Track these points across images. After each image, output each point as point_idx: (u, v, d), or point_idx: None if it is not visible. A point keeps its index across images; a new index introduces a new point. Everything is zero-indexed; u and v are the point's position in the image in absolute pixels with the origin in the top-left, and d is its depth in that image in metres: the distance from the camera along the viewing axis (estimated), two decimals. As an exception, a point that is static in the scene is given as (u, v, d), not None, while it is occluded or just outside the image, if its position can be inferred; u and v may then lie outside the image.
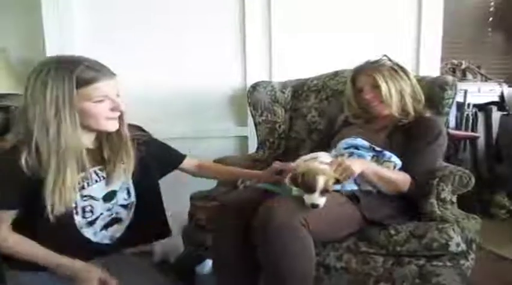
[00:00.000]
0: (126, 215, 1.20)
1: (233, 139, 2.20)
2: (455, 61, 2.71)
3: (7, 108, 2.01)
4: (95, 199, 1.12)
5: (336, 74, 1.87)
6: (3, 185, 1.01)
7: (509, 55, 2.92)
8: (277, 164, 1.30)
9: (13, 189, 1.01)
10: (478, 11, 2.93)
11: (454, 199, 1.32)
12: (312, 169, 1.14)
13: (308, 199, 1.11)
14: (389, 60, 1.48)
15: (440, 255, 1.19)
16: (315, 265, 1.15)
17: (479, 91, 2.57)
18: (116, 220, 1.18)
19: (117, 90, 1.07)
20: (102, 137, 1.12)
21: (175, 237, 1.84)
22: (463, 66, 2.70)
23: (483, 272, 1.44)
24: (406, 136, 1.38)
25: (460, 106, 2.48)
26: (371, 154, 1.35)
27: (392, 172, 1.29)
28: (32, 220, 1.05)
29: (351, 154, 1.35)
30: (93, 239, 1.15)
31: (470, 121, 2.52)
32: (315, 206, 1.11)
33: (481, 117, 2.58)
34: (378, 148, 1.34)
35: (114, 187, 1.15)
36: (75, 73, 0.99)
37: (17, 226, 1.06)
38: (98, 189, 1.12)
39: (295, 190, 1.18)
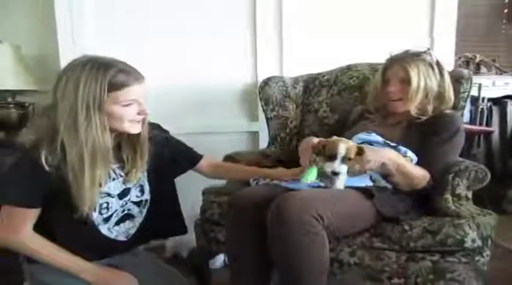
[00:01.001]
0: (138, 212, 1.21)
1: (244, 135, 2.20)
2: (469, 55, 2.66)
3: (22, 104, 2.04)
4: (111, 196, 1.13)
5: (348, 68, 1.85)
6: (25, 183, 1.01)
7: (525, 47, 2.87)
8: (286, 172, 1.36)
9: (35, 187, 1.01)
10: (492, 2, 2.87)
11: (470, 195, 1.30)
12: (333, 139, 1.19)
13: (329, 166, 1.15)
14: (430, 55, 1.41)
15: (455, 251, 1.18)
16: (329, 260, 1.14)
17: (493, 85, 2.53)
18: (127, 216, 1.19)
19: (144, 94, 1.08)
20: (122, 136, 1.13)
21: (188, 232, 1.86)
22: (477, 60, 2.66)
23: (495, 268, 1.42)
24: (423, 132, 1.36)
25: (474, 101, 2.44)
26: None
27: (414, 167, 1.27)
28: (52, 218, 1.06)
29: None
30: (110, 235, 1.16)
31: (485, 115, 2.48)
32: (335, 173, 1.15)
33: (495, 111, 2.54)
34: (392, 144, 1.33)
35: (129, 184, 1.17)
36: (108, 76, 0.99)
37: (36, 225, 1.06)
38: (115, 186, 1.13)
39: (314, 170, 1.18)
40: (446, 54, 2.14)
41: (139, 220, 1.21)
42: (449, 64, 2.14)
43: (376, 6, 2.11)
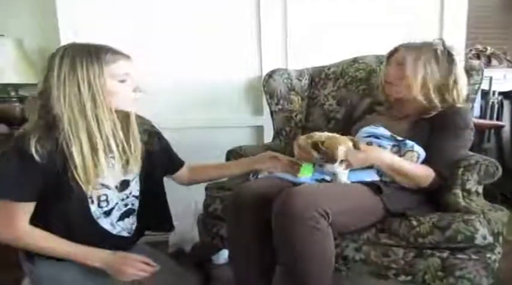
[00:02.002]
0: (137, 207, 1.20)
1: (248, 129, 2.17)
2: (480, 47, 2.60)
3: (24, 98, 2.02)
4: (108, 188, 1.11)
5: (355, 60, 1.81)
6: (14, 176, 0.99)
7: (537, 40, 2.80)
8: (270, 152, 1.35)
9: (25, 180, 0.99)
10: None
11: (480, 190, 1.26)
12: (332, 138, 1.19)
13: (329, 167, 1.19)
14: (442, 44, 1.36)
15: (465, 248, 1.14)
16: (334, 256, 1.12)
17: (504, 78, 2.47)
18: (131, 211, 1.18)
19: (135, 74, 1.10)
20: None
21: (190, 227, 1.84)
22: (488, 52, 2.60)
23: (506, 265, 1.38)
24: (431, 126, 1.31)
25: (485, 94, 2.39)
26: (391, 143, 1.30)
27: (414, 167, 1.23)
28: (50, 213, 1.04)
29: (370, 144, 1.30)
30: (113, 231, 1.14)
31: (496, 109, 2.43)
32: (335, 174, 1.20)
33: (506, 105, 2.48)
34: (399, 138, 1.29)
35: (126, 176, 1.15)
36: (100, 54, 1.02)
37: (32, 222, 1.04)
38: (112, 177, 1.11)
39: (309, 167, 1.22)
40: (456, 46, 2.07)
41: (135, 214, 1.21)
42: (459, 57, 2.09)
43: (385, 2, 2.06)
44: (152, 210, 1.24)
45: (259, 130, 2.15)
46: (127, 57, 1.08)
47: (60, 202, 1.03)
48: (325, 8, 2.06)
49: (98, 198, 1.09)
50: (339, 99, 1.78)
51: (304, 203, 1.05)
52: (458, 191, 1.25)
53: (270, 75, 1.83)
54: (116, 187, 1.13)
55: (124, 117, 1.10)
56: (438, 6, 2.09)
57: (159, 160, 1.24)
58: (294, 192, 1.09)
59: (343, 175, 1.21)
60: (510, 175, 2.40)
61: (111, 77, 1.03)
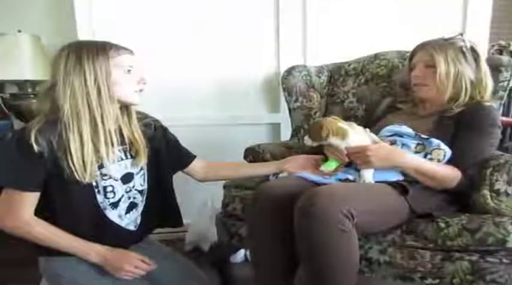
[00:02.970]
0: (141, 201, 1.21)
1: (265, 126, 2.15)
2: (503, 43, 2.52)
3: (42, 95, 2.03)
4: (114, 179, 1.12)
5: (375, 57, 1.76)
6: (21, 165, 1.00)
7: (562, 35, 2.70)
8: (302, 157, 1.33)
9: (31, 170, 1.00)
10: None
11: (510, 191, 1.21)
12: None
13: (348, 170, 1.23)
14: (463, 40, 1.32)
15: (495, 251, 1.10)
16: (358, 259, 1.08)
17: (528, 75, 2.38)
18: (133, 205, 1.19)
19: (140, 67, 1.13)
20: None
21: (207, 225, 1.83)
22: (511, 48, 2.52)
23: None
24: (456, 124, 1.27)
25: (509, 91, 2.31)
26: (416, 142, 1.26)
27: (440, 168, 1.19)
28: (54, 203, 1.05)
29: (393, 142, 1.27)
30: (121, 223, 1.15)
31: (518, 106, 2.36)
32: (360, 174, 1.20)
33: (530, 102, 2.40)
34: (424, 136, 1.25)
35: (131, 169, 1.16)
36: (106, 47, 1.05)
37: (38, 215, 1.05)
38: (118, 169, 1.12)
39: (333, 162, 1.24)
40: (479, 42, 2.02)
41: (140, 209, 1.21)
42: (482, 53, 2.03)
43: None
44: (159, 205, 1.24)
45: (276, 127, 2.12)
46: (130, 51, 1.11)
47: (65, 192, 1.04)
48: (345, 2, 2.02)
49: (104, 189, 1.10)
50: (359, 97, 1.74)
51: (328, 204, 1.02)
52: (487, 192, 1.20)
53: (289, 71, 1.80)
54: (122, 179, 1.14)
55: (126, 109, 1.13)
56: (461, 1, 2.03)
57: (167, 155, 1.25)
58: (317, 192, 1.05)
59: (368, 174, 1.18)
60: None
61: (116, 68, 1.06)
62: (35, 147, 0.97)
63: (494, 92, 1.40)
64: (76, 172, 1.01)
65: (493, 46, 2.49)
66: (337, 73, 1.83)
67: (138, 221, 1.21)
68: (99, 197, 1.10)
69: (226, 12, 2.01)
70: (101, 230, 1.11)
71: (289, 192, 1.15)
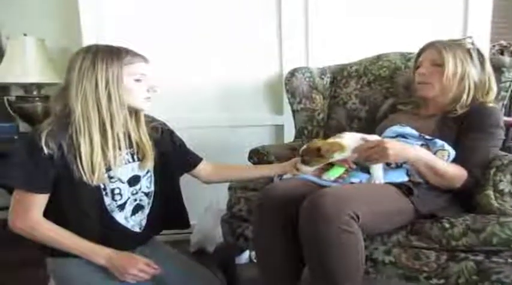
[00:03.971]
0: (147, 204, 1.22)
1: (268, 128, 2.15)
2: (504, 43, 2.52)
3: (47, 97, 2.04)
4: (121, 182, 1.13)
5: (378, 58, 1.77)
6: (31, 168, 1.01)
7: None
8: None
9: (41, 172, 1.02)
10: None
11: (514, 191, 1.22)
12: (328, 144, 1.22)
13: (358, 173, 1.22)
14: (472, 43, 1.34)
15: (500, 251, 1.10)
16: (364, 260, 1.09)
17: (530, 75, 2.39)
18: (139, 207, 1.20)
19: (152, 75, 1.14)
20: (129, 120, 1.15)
21: (212, 226, 1.84)
22: (513, 48, 2.52)
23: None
24: (460, 125, 1.28)
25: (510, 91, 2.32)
26: (420, 142, 1.27)
27: (449, 166, 1.20)
28: (62, 205, 1.06)
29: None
30: (127, 225, 1.16)
31: (521, 106, 2.36)
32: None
33: (532, 102, 2.40)
34: (428, 137, 1.26)
35: (138, 172, 1.17)
36: (121, 54, 1.07)
37: (47, 215, 1.06)
38: (126, 172, 1.14)
39: (339, 170, 1.25)
40: (481, 42, 2.03)
41: (147, 211, 1.22)
42: (484, 52, 2.04)
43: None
44: (166, 208, 1.26)
45: (280, 129, 2.13)
46: (145, 59, 1.13)
47: (73, 194, 1.05)
48: (347, 4, 2.03)
49: (112, 191, 1.12)
50: (362, 98, 1.75)
51: (335, 205, 1.03)
52: (491, 192, 1.21)
53: (292, 73, 1.81)
54: (128, 182, 1.15)
55: (135, 114, 1.15)
56: (462, 2, 2.05)
57: (174, 158, 1.27)
58: (323, 194, 1.06)
59: (379, 173, 1.19)
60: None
61: (128, 75, 1.08)
62: (45, 150, 0.99)
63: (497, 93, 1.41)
64: (85, 175, 1.03)
65: (494, 46, 2.49)
66: (339, 75, 1.83)
67: (144, 223, 1.22)
68: (107, 200, 1.11)
69: (228, 15, 2.02)
70: (108, 231, 1.12)
71: (294, 194, 1.16)
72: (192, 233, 1.92)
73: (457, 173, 1.20)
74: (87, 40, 1.87)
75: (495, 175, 1.21)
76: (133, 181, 1.16)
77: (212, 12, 2.01)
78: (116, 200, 1.13)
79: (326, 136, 1.73)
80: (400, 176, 1.22)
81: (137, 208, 1.19)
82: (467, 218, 1.16)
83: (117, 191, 1.13)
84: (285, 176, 1.34)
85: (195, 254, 1.86)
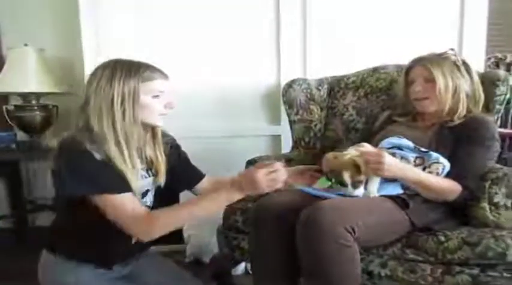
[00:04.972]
0: None
1: (265, 138, 2.16)
2: (500, 55, 2.55)
3: (46, 106, 2.05)
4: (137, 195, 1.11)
5: (375, 70, 1.79)
6: (102, 171, 1.00)
7: (559, 47, 2.73)
8: (301, 167, 1.31)
9: (113, 171, 1.00)
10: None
11: (509, 204, 1.23)
12: (336, 165, 1.19)
13: (345, 190, 1.18)
14: (455, 55, 1.37)
15: (496, 265, 1.11)
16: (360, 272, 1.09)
17: (526, 87, 2.41)
18: None
19: (171, 91, 1.12)
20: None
21: (208, 238, 1.83)
22: (508, 60, 2.55)
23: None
24: (455, 137, 1.29)
25: (506, 103, 2.33)
26: (415, 155, 1.27)
27: (440, 181, 1.21)
28: (88, 215, 1.03)
29: (393, 155, 1.28)
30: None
31: (516, 118, 2.38)
32: (354, 196, 1.16)
33: (527, 113, 2.42)
34: (423, 149, 1.27)
35: (149, 186, 1.16)
36: (140, 71, 1.05)
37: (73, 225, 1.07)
38: (141, 186, 1.12)
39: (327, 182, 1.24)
40: (476, 55, 2.06)
41: None
42: (479, 66, 2.06)
43: (404, 5, 2.05)
44: None
45: (277, 139, 2.14)
46: (165, 76, 1.11)
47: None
48: (345, 17, 2.05)
49: None
50: (359, 110, 1.76)
51: (331, 219, 1.03)
52: (486, 205, 1.22)
53: (290, 84, 1.82)
54: (142, 196, 1.14)
55: (152, 130, 1.13)
56: (458, 15, 2.07)
57: (180, 173, 1.25)
58: (320, 207, 1.07)
59: (373, 188, 1.19)
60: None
61: (145, 93, 1.05)
62: (97, 155, 0.99)
63: (490, 106, 1.43)
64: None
65: (489, 59, 2.52)
66: (336, 86, 1.85)
67: None
68: None
69: (227, 27, 2.04)
70: (116, 241, 1.10)
71: (290, 205, 1.16)
72: (187, 243, 1.91)
73: (450, 187, 1.20)
74: (88, 50, 1.89)
75: (490, 187, 1.22)
76: (144, 194, 1.15)
77: (210, 23, 2.03)
78: None
79: (323, 148, 1.75)
80: (395, 189, 1.22)
81: None
82: (462, 231, 1.16)
83: None
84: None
85: (191, 265, 1.85)
